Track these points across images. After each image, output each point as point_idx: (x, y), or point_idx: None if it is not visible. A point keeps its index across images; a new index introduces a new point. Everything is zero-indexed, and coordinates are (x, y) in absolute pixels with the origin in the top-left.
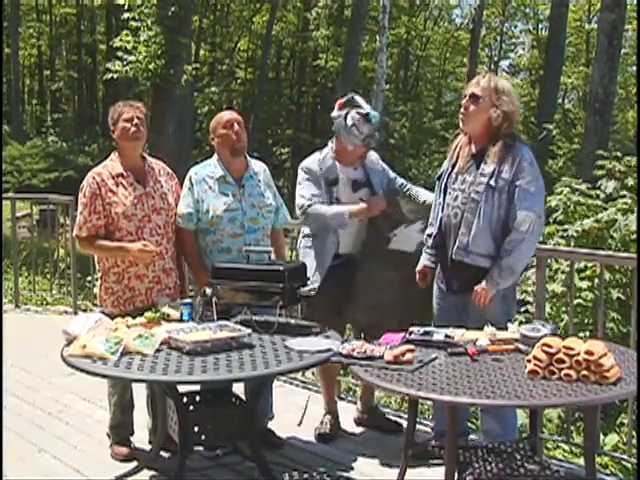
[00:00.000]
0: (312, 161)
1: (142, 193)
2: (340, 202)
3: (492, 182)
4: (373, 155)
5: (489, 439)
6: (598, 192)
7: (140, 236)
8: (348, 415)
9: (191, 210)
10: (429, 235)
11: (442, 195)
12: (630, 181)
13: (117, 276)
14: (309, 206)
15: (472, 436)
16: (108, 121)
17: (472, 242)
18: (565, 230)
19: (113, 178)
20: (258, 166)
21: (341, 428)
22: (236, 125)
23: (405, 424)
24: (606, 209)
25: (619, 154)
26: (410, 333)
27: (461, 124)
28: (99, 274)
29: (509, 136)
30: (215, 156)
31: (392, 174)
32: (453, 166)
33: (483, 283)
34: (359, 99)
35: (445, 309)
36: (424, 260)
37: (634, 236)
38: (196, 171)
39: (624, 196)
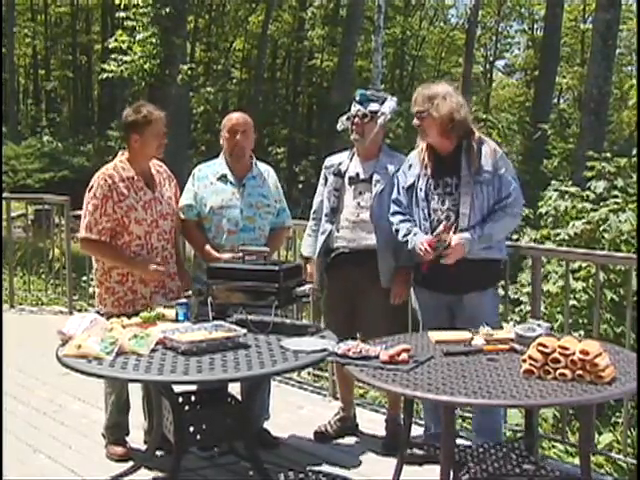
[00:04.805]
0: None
1: (151, 198)
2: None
3: (480, 178)
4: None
5: (481, 439)
6: (588, 193)
7: (148, 241)
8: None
9: (191, 202)
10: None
11: (425, 202)
12: (620, 182)
13: (120, 277)
14: None
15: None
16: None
17: None
18: (557, 234)
19: (124, 181)
20: (264, 168)
21: (354, 433)
22: (239, 134)
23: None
24: (597, 210)
25: (609, 155)
26: None
27: (421, 139)
28: (98, 274)
29: (470, 133)
30: (221, 154)
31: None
32: (425, 175)
33: (463, 235)
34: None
35: (436, 308)
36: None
37: (624, 237)
38: (200, 168)
39: (616, 196)
